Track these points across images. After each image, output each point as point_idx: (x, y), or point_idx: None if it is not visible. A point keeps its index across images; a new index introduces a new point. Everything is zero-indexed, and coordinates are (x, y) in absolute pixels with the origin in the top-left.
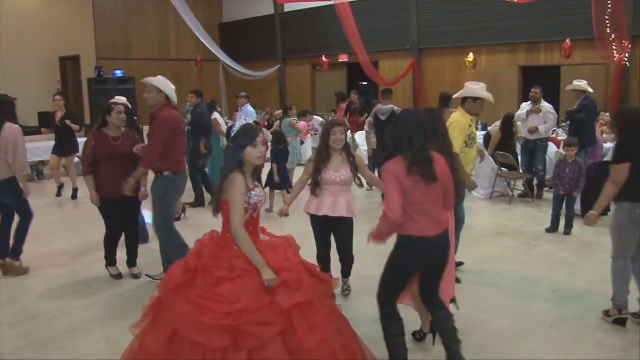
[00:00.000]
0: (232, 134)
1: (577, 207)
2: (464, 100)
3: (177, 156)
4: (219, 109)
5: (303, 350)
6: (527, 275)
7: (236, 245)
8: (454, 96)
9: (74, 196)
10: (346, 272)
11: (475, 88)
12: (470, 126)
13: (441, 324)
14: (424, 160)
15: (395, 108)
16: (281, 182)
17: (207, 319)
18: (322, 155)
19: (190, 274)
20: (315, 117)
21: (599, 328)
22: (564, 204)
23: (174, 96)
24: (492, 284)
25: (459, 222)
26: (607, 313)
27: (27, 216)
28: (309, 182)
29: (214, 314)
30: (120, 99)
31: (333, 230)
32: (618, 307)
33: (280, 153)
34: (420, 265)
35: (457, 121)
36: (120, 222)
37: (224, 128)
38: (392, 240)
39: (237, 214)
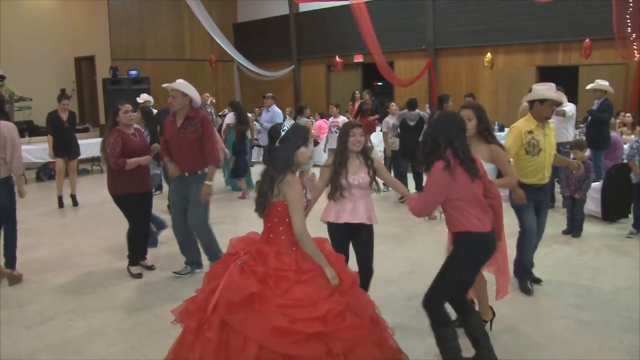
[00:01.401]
0: (282, 134)
1: (598, 209)
2: (532, 104)
3: None
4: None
5: (385, 342)
6: (548, 280)
7: (294, 246)
8: (522, 101)
9: (75, 203)
10: (364, 288)
11: (541, 89)
12: (531, 132)
13: (473, 326)
14: (466, 157)
15: (422, 113)
16: (241, 170)
17: (298, 328)
18: (341, 158)
19: (262, 283)
20: (341, 116)
21: (626, 335)
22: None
23: (198, 98)
24: (513, 287)
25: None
26: None
27: (14, 222)
28: (325, 188)
29: (302, 322)
30: (145, 97)
31: (352, 239)
32: None
33: (240, 146)
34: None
35: (515, 127)
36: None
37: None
38: (400, 241)
39: (301, 215)
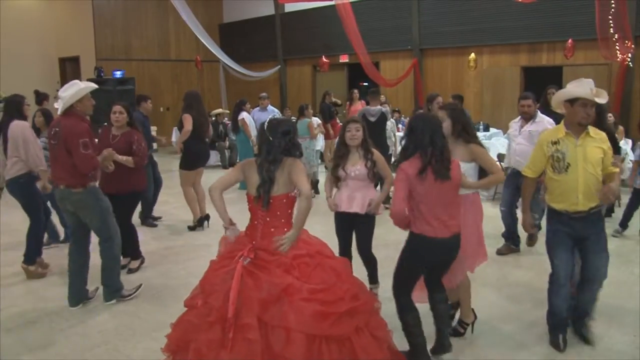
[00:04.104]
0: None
1: None
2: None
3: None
4: (248, 106)
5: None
6: (531, 279)
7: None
8: (552, 104)
9: None
10: (371, 277)
11: (570, 86)
12: (556, 143)
13: (438, 305)
14: (444, 157)
15: (384, 109)
16: None
17: (332, 310)
18: (341, 152)
19: (288, 273)
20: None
21: (607, 333)
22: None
23: (66, 102)
24: (496, 287)
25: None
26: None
27: (37, 219)
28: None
29: (330, 304)
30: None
31: (353, 227)
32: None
33: None
34: (428, 263)
35: (541, 136)
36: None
37: (252, 128)
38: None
39: (307, 180)
